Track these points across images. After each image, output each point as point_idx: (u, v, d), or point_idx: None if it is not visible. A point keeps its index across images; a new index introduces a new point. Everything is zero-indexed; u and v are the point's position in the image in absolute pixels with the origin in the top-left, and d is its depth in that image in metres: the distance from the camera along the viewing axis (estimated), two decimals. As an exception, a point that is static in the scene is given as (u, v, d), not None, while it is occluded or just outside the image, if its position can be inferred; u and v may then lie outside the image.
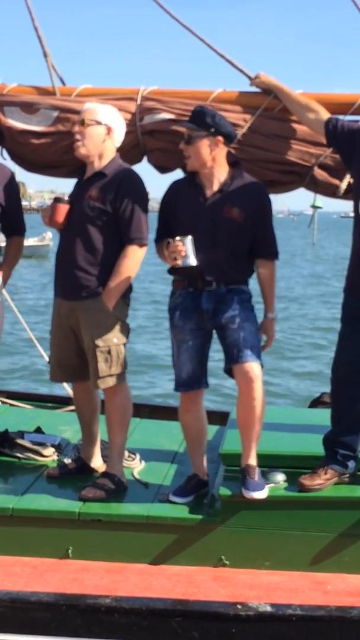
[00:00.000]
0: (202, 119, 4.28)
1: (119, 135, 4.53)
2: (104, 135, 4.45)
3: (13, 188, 4.71)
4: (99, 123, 4.43)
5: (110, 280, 4.42)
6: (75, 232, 4.45)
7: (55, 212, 4.47)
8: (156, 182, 4.80)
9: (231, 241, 4.31)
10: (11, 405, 6.18)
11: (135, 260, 4.44)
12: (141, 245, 4.44)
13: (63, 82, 4.95)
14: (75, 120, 4.51)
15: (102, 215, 4.41)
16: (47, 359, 4.99)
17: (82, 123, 4.43)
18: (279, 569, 4.18)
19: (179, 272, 4.35)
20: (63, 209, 4.47)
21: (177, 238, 4.20)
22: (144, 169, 4.48)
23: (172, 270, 4.38)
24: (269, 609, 3.80)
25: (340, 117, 4.43)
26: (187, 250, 4.19)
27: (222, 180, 4.36)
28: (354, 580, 4.12)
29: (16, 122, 4.70)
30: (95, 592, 3.92)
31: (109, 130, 4.46)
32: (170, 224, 4.41)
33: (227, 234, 4.30)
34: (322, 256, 50.00)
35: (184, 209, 4.36)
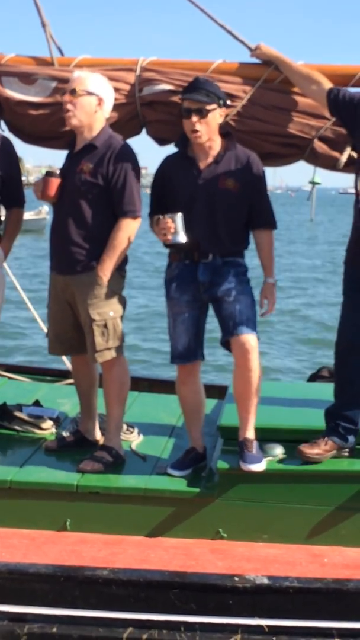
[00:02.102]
0: (210, 90, 4.25)
1: (109, 105, 4.48)
2: (95, 106, 4.40)
3: (12, 158, 4.67)
4: (90, 93, 4.37)
5: (105, 254, 4.40)
6: (67, 206, 4.43)
7: (47, 187, 4.45)
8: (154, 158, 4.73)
9: (228, 213, 4.30)
10: (10, 378, 6.17)
11: (129, 233, 4.42)
12: (134, 217, 4.42)
13: (61, 53, 4.89)
14: (65, 88, 4.44)
15: (94, 188, 4.38)
16: (45, 330, 4.97)
17: (73, 92, 4.36)
18: (276, 542, 4.20)
19: (172, 247, 4.35)
20: (54, 183, 4.44)
21: (167, 215, 4.19)
22: (143, 145, 4.43)
23: (166, 244, 4.37)
24: (265, 581, 3.82)
25: (343, 88, 4.39)
26: (176, 227, 4.18)
27: (216, 152, 4.33)
28: (351, 553, 4.14)
29: (14, 93, 4.64)
30: (93, 564, 3.93)
31: (100, 101, 4.40)
32: (166, 199, 4.39)
33: (224, 205, 4.29)
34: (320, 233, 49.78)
35: (179, 184, 4.34)
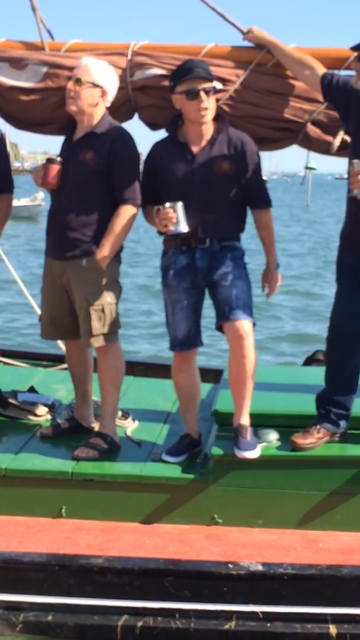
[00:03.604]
0: (207, 69, 4.21)
1: (112, 96, 4.47)
2: (98, 98, 4.38)
3: (1, 144, 4.64)
4: (95, 85, 4.35)
5: (104, 239, 4.39)
6: (68, 193, 4.41)
7: (48, 173, 4.42)
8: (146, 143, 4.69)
9: (225, 196, 4.27)
10: (5, 363, 6.16)
11: (129, 220, 4.41)
12: (135, 204, 4.41)
13: (52, 37, 4.84)
14: (70, 74, 4.39)
15: (96, 176, 4.37)
16: (39, 311, 4.94)
17: (78, 82, 4.33)
18: (271, 527, 4.21)
19: (169, 235, 4.32)
20: (55, 170, 4.42)
21: (168, 205, 4.16)
22: (136, 132, 4.39)
23: (167, 234, 4.34)
24: (260, 568, 3.82)
25: (336, 72, 4.35)
26: (178, 216, 4.16)
27: (210, 135, 4.30)
28: (346, 537, 4.15)
29: (4, 78, 4.59)
30: (88, 551, 3.95)
31: (103, 93, 4.39)
32: (160, 187, 4.36)
33: (221, 189, 4.27)
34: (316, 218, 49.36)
35: (173, 170, 4.30)
